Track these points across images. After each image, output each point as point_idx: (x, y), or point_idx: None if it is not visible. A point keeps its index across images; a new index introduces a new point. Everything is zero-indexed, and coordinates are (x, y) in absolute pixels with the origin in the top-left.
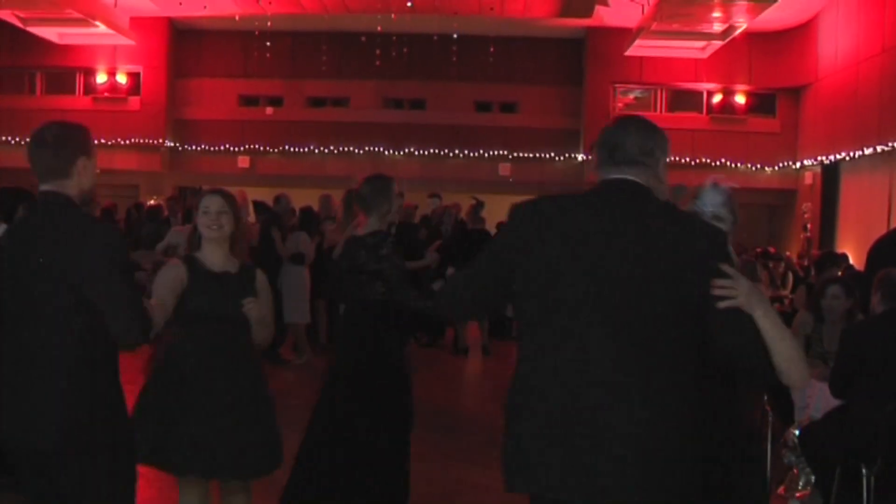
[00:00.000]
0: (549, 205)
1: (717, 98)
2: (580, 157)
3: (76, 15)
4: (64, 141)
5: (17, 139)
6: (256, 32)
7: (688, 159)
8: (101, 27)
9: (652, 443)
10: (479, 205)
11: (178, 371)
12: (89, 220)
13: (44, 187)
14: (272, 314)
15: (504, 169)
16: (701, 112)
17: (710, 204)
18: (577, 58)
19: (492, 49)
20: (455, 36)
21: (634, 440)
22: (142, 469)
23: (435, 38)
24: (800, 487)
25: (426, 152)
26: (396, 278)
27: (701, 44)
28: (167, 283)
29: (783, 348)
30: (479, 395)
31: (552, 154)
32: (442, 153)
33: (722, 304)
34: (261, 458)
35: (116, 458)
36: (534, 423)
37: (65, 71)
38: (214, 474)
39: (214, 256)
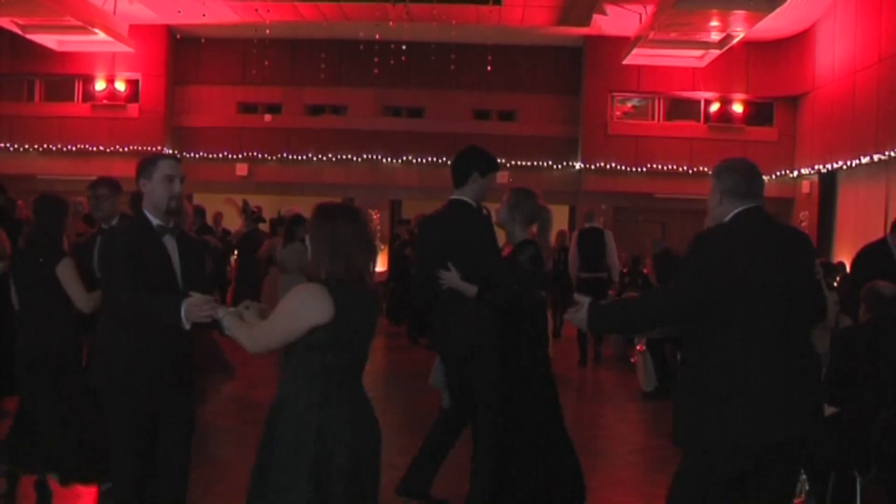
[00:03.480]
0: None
1: (714, 107)
2: (578, 165)
3: (75, 22)
4: None
5: (17, 146)
6: (255, 40)
7: (685, 168)
8: (100, 34)
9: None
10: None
11: None
12: None
13: None
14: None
15: (502, 177)
16: (698, 121)
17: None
18: (576, 66)
19: (490, 57)
20: (454, 44)
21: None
22: None
23: (433, 46)
24: (795, 493)
25: (424, 160)
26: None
27: (699, 53)
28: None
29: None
30: None
31: (550, 162)
32: (440, 161)
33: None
34: None
35: None
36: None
37: (64, 78)
38: None
39: None
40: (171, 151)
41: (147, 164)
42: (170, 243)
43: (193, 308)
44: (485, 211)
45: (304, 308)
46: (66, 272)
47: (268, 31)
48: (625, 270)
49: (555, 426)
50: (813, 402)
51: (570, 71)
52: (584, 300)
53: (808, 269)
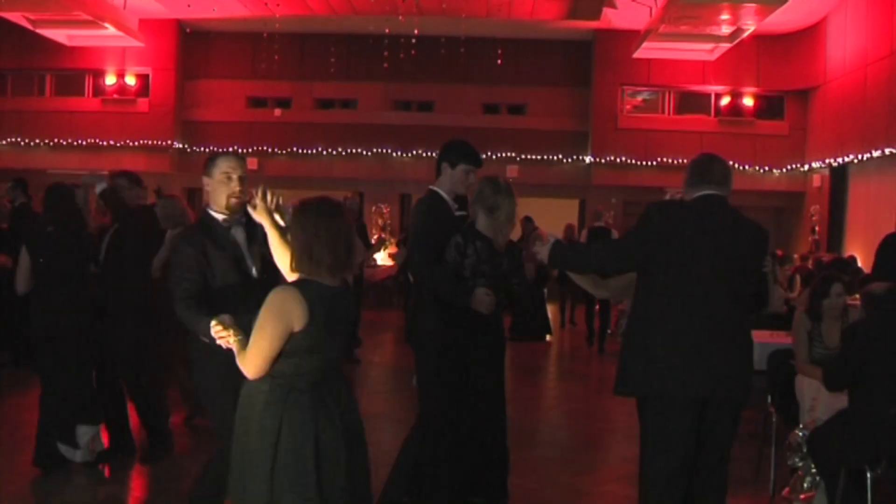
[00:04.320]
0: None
1: (725, 100)
2: (588, 159)
3: (85, 17)
4: None
5: (27, 141)
6: (265, 34)
7: None
8: (110, 29)
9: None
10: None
11: None
12: None
13: None
14: None
15: (512, 171)
16: (709, 114)
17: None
18: (585, 60)
19: (500, 51)
20: (463, 38)
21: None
22: None
23: (443, 40)
24: (804, 489)
25: (434, 154)
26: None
27: (709, 46)
28: None
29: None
30: None
31: (560, 156)
32: None
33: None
34: None
35: None
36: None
37: (74, 73)
38: None
39: None
40: (180, 146)
41: (208, 162)
42: (238, 234)
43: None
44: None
45: (284, 312)
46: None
47: (277, 26)
48: None
49: (495, 433)
50: (736, 372)
51: (580, 64)
52: (552, 237)
53: (754, 257)
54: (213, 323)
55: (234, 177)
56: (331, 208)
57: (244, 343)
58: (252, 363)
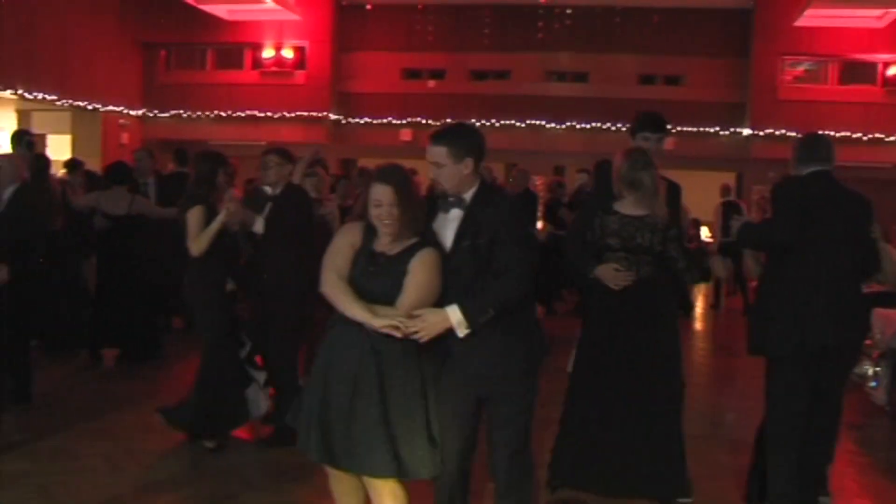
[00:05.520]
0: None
1: (893, 70)
2: (746, 131)
3: None
4: None
5: (190, 113)
6: (420, 6)
7: (860, 134)
8: (269, 3)
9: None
10: None
11: None
12: None
13: None
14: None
15: (669, 143)
16: (875, 84)
17: None
18: (744, 29)
19: (656, 20)
20: (619, 7)
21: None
22: None
23: (598, 9)
24: None
25: (588, 126)
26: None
27: (878, 12)
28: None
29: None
30: None
31: (717, 128)
32: (604, 127)
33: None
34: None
35: None
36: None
37: (234, 46)
38: None
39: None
40: (336, 117)
41: None
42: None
43: None
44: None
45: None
46: (190, 217)
47: None
48: None
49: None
50: (851, 324)
51: (739, 33)
52: (741, 218)
53: (864, 225)
54: None
55: None
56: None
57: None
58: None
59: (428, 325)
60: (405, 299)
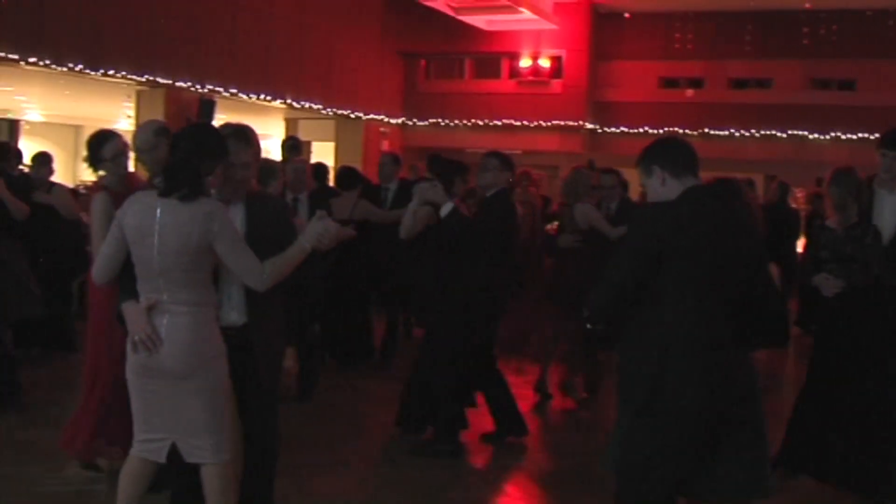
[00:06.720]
0: None
1: None
2: None
3: (503, 2)
4: None
5: (448, 121)
6: (678, 14)
7: None
8: (526, 13)
9: None
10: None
11: None
12: None
13: None
14: None
15: None
16: None
17: None
18: None
19: None
20: (892, 10)
21: None
22: None
23: (868, 13)
24: None
25: (855, 136)
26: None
27: None
28: None
29: None
30: None
31: None
32: (872, 137)
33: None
34: None
35: None
36: None
37: (491, 56)
38: None
39: None
40: (592, 126)
41: None
42: None
43: None
44: None
45: None
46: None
47: (691, 4)
48: None
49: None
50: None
51: None
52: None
53: None
54: None
55: None
56: None
57: None
58: None
59: None
60: None
